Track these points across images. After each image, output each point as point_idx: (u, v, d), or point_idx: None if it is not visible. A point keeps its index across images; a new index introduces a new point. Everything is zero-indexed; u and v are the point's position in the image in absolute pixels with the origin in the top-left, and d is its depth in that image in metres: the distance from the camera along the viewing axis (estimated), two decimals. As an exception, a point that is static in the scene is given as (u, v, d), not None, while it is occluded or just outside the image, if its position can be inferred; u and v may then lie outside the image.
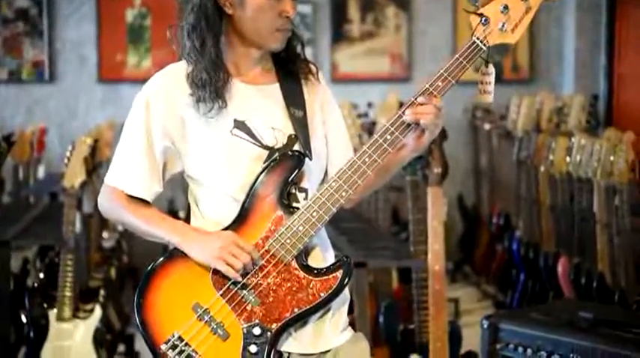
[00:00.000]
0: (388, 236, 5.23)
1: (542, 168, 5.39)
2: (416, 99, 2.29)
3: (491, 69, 2.32)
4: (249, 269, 2.27)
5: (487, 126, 6.85)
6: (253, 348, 2.26)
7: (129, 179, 2.36)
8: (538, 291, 5.22)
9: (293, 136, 2.35)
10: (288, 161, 2.32)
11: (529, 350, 2.90)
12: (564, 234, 5.19)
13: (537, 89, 6.97)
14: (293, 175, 2.32)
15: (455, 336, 3.97)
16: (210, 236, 2.30)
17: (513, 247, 5.63)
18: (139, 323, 2.29)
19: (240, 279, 2.26)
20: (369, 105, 6.36)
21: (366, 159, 2.29)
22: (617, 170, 4.40)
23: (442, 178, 3.93)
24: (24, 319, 4.38)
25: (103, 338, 4.45)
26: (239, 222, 2.31)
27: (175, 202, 6.62)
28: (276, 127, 2.35)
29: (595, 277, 4.43)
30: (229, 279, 2.27)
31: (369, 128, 5.35)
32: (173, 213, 6.21)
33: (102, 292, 4.46)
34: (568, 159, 4.95)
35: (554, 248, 5.27)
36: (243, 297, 2.27)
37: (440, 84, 2.29)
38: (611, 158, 4.44)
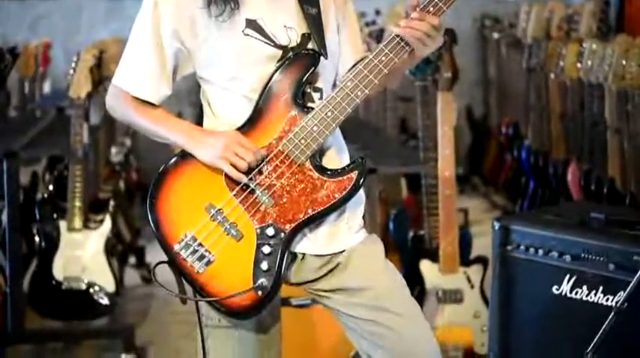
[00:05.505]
0: (397, 144, 5.22)
1: (552, 75, 5.33)
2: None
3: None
4: (253, 167, 2.24)
5: (496, 36, 6.77)
6: (267, 249, 2.25)
7: (136, 81, 2.32)
8: (548, 199, 5.21)
9: (307, 35, 2.30)
10: (302, 60, 2.27)
11: (540, 251, 2.88)
12: (574, 141, 5.16)
13: (547, -4, 6.85)
14: (308, 74, 2.27)
15: (465, 242, 3.96)
16: (214, 135, 2.27)
17: (523, 156, 5.61)
18: (152, 223, 2.28)
19: (244, 180, 2.23)
20: (377, 12, 6.26)
21: (383, 58, 2.25)
22: (629, 74, 4.34)
23: (452, 83, 3.88)
24: (35, 231, 4.39)
25: (114, 249, 4.47)
26: (252, 122, 2.27)
27: (183, 117, 6.58)
28: (289, 26, 2.29)
29: (605, 182, 4.42)
30: (243, 179, 2.25)
31: (377, 35, 5.28)
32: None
33: (111, 203, 4.46)
34: (579, 64, 4.88)
35: (563, 155, 5.26)
36: (256, 198, 2.25)
37: None
38: (623, 62, 4.38)
